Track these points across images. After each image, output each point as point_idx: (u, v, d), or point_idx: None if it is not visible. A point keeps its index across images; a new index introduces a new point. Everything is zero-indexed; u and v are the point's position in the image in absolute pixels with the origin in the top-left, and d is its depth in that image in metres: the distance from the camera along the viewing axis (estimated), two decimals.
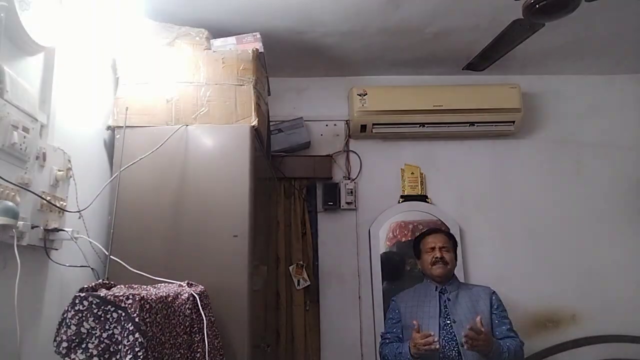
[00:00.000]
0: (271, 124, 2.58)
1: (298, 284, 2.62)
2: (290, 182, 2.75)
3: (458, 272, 2.67)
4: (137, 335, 1.12)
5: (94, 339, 1.13)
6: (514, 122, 2.79)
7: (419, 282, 2.24)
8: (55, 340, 1.13)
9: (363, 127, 2.79)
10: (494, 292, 2.09)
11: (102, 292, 1.21)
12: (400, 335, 2.06)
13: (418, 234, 2.36)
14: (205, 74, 1.90)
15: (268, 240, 2.50)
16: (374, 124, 2.78)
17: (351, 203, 2.78)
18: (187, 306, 1.44)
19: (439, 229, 2.31)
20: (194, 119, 1.86)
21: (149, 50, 1.97)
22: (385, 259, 2.75)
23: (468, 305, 2.00)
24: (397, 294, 2.23)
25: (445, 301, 2.04)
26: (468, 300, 2.02)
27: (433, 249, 2.12)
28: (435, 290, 2.08)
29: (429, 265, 2.11)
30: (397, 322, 2.10)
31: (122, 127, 1.83)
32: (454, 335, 1.92)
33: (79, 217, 1.57)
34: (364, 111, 2.73)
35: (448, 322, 1.97)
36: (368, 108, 2.73)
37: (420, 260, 2.21)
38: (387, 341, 2.08)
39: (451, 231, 2.41)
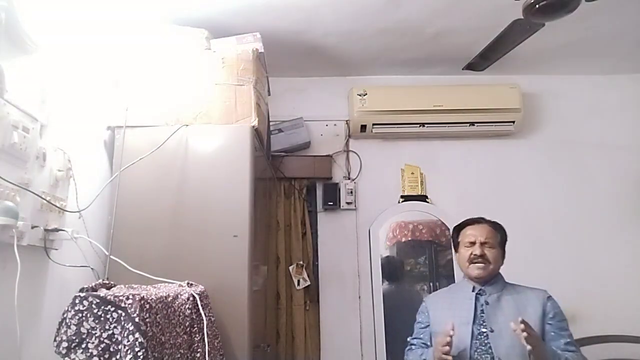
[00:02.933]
0: (271, 124, 2.58)
1: (298, 284, 2.62)
2: (290, 182, 2.75)
3: (457, 273, 2.69)
4: (137, 335, 1.12)
5: (94, 339, 1.13)
6: (514, 122, 2.79)
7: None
8: (55, 340, 1.13)
9: (363, 127, 2.79)
10: (550, 296, 1.70)
11: (102, 292, 1.21)
12: (428, 343, 1.76)
13: (459, 222, 1.90)
14: (205, 74, 1.90)
15: (268, 240, 2.50)
16: (374, 124, 2.78)
17: (351, 203, 2.78)
18: (187, 306, 1.44)
19: (482, 219, 1.83)
20: (193, 119, 1.86)
21: (149, 50, 1.97)
22: (386, 261, 2.75)
23: (512, 312, 1.62)
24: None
25: (482, 305, 1.68)
26: (513, 305, 1.65)
27: (473, 243, 1.75)
28: (472, 291, 1.73)
29: (466, 263, 1.75)
30: (425, 327, 1.80)
31: (122, 127, 1.83)
32: (489, 347, 1.58)
33: (79, 217, 1.57)
34: (364, 111, 2.73)
35: (484, 330, 1.62)
36: (368, 108, 2.73)
37: (457, 254, 1.85)
38: (413, 347, 1.81)
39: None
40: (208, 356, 1.42)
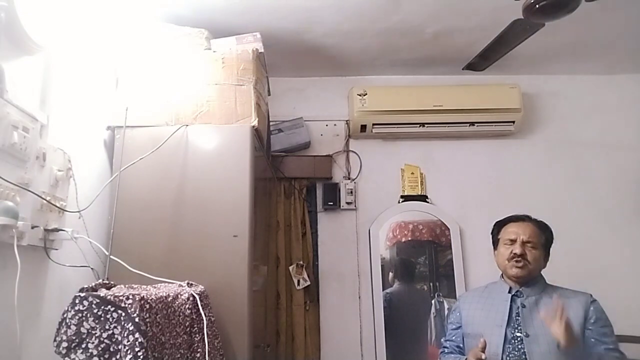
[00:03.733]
0: (271, 124, 2.58)
1: (298, 284, 2.62)
2: (290, 182, 2.75)
3: (457, 274, 2.69)
4: (137, 335, 1.12)
5: (94, 339, 1.13)
6: (513, 122, 2.79)
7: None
8: (55, 340, 1.13)
9: (363, 127, 2.79)
10: (594, 300, 1.60)
11: (102, 292, 1.21)
12: (461, 345, 1.68)
13: (502, 218, 1.79)
14: (205, 74, 1.90)
15: (268, 240, 2.50)
16: (374, 124, 2.78)
17: (351, 203, 2.78)
18: (187, 306, 1.44)
19: (528, 217, 1.73)
20: (193, 119, 1.86)
21: (149, 50, 1.97)
22: (386, 261, 2.75)
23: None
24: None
25: (518, 308, 1.59)
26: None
27: (513, 241, 1.65)
28: (508, 292, 1.64)
29: (505, 261, 1.64)
30: (457, 329, 1.72)
31: (122, 127, 1.83)
32: (524, 353, 1.49)
33: (79, 217, 1.57)
34: (364, 111, 2.73)
35: (518, 334, 1.53)
36: (368, 108, 2.73)
37: (496, 251, 1.74)
38: (446, 351, 1.72)
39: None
40: (208, 356, 1.42)
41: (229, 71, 1.90)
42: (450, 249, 2.73)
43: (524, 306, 1.59)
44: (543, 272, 1.71)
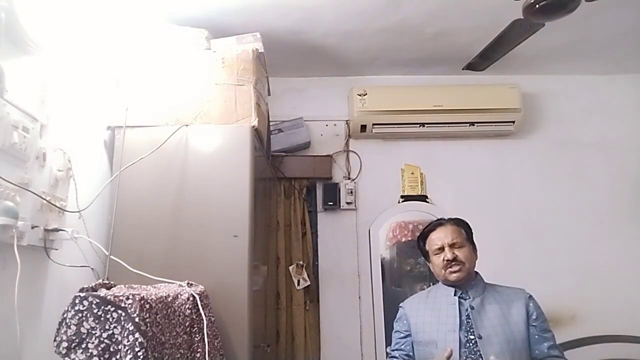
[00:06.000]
0: (271, 124, 2.58)
1: (298, 284, 2.62)
2: (290, 182, 2.75)
3: None
4: (137, 335, 1.12)
5: (94, 339, 1.13)
6: (513, 122, 2.79)
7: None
8: (55, 340, 1.13)
9: (363, 127, 2.79)
10: (530, 296, 1.64)
11: (102, 292, 1.21)
12: (411, 354, 1.66)
13: (418, 233, 1.83)
14: (205, 74, 1.90)
15: (268, 240, 2.50)
16: (374, 124, 2.78)
17: (351, 203, 2.78)
18: (187, 306, 1.44)
19: (442, 220, 1.76)
20: (193, 119, 1.86)
21: (149, 50, 1.97)
22: (386, 261, 2.75)
23: (497, 315, 1.57)
24: (405, 299, 1.82)
25: (467, 310, 1.59)
26: (497, 307, 1.59)
27: (441, 249, 1.67)
28: (454, 295, 1.64)
29: (441, 270, 1.66)
30: (405, 337, 1.69)
31: (122, 127, 1.83)
32: (480, 355, 1.50)
33: (79, 217, 1.57)
34: (364, 111, 2.73)
35: (472, 337, 1.54)
36: (368, 108, 2.73)
37: (430, 263, 1.75)
38: None
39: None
40: (208, 356, 1.42)
41: (229, 71, 1.90)
42: None
43: (472, 308, 1.59)
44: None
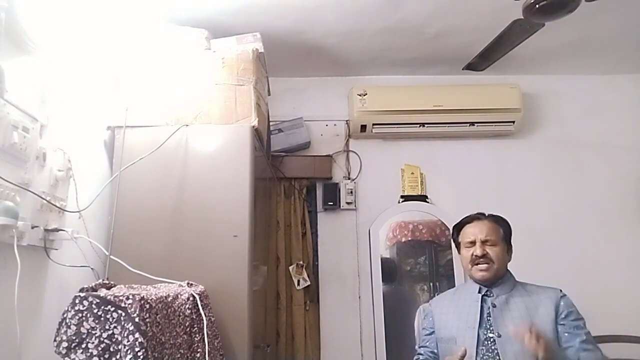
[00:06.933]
0: (271, 124, 2.58)
1: (298, 284, 2.62)
2: (290, 182, 2.75)
3: (457, 274, 2.69)
4: (137, 335, 1.12)
5: (94, 339, 1.13)
6: (513, 122, 2.79)
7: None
8: (55, 340, 1.13)
9: (363, 127, 2.79)
10: (564, 295, 1.57)
11: (102, 292, 1.21)
12: (435, 350, 1.63)
13: (458, 221, 1.75)
14: (205, 74, 1.90)
15: (268, 240, 2.50)
16: (374, 124, 2.78)
17: (351, 203, 2.78)
18: (187, 306, 1.44)
19: (482, 214, 1.69)
20: (193, 119, 1.86)
21: (149, 50, 1.97)
22: (386, 261, 2.75)
23: (522, 314, 1.51)
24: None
25: (489, 308, 1.55)
26: (523, 307, 1.53)
27: (473, 243, 1.62)
28: (478, 292, 1.60)
29: (468, 265, 1.62)
30: (430, 334, 1.67)
31: (122, 127, 1.83)
32: (497, 354, 1.46)
33: (79, 217, 1.57)
34: (364, 111, 2.73)
35: (490, 335, 1.50)
36: (368, 108, 2.73)
37: (460, 256, 1.71)
38: (420, 358, 1.67)
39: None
40: (208, 356, 1.42)
41: (229, 71, 1.90)
42: (450, 249, 2.72)
43: (494, 306, 1.55)
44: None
